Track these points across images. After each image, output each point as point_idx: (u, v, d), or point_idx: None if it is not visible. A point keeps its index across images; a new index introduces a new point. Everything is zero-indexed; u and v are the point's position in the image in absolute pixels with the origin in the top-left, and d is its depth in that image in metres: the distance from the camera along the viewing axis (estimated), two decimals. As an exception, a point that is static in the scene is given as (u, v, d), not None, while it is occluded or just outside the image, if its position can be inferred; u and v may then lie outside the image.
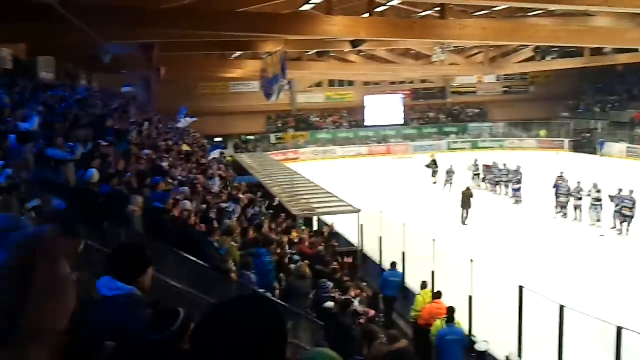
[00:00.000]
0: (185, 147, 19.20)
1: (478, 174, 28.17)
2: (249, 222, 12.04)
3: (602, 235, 18.90)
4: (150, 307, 2.87)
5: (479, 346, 8.51)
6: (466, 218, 21.44)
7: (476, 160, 28.57)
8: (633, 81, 44.87)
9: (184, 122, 27.41)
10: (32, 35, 17.81)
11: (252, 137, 44.20)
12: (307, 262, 10.08)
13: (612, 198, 19.27)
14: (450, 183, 26.65)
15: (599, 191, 20.07)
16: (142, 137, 14.99)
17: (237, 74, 35.69)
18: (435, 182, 29.46)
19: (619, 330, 7.99)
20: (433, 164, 30.21)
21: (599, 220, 20.02)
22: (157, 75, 28.71)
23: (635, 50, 22.79)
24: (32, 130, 8.51)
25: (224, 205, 11.78)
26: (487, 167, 27.81)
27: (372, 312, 9.43)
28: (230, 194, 14.25)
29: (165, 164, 11.98)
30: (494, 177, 26.80)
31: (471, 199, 21.49)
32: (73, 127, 10.37)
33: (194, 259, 7.40)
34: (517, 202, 24.42)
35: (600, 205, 19.96)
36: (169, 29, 16.76)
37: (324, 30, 16.55)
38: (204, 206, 10.40)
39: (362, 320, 8.81)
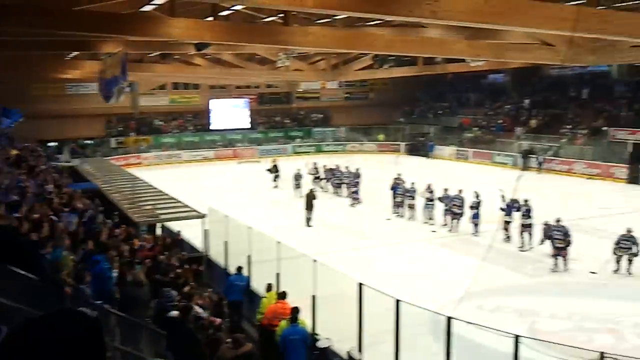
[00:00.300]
0: (14, 152, 17.83)
1: (318, 177, 28.92)
2: (85, 230, 11.44)
3: (434, 232, 20.24)
4: None
5: (321, 343, 8.72)
6: (310, 219, 21.90)
7: (315, 164, 29.19)
8: (461, 89, 48.67)
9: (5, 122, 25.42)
10: None
11: (90, 142, 42.01)
12: (142, 269, 9.78)
13: (441, 199, 20.71)
14: (299, 187, 27.04)
15: (431, 192, 21.42)
16: None
17: (74, 74, 33.69)
18: (276, 186, 29.78)
19: (449, 320, 8.57)
20: (274, 169, 30.45)
21: (431, 219, 21.38)
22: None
23: (463, 60, 24.61)
24: None
25: (60, 215, 11.10)
26: (329, 170, 28.64)
27: (218, 320, 9.33)
28: (65, 202, 13.44)
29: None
30: (336, 179, 27.73)
31: (314, 201, 22.02)
32: None
33: (23, 272, 6.89)
34: (353, 204, 25.24)
35: (433, 204, 21.32)
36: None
37: (166, 32, 16.12)
38: (36, 215, 9.72)
39: (204, 323, 8.71)
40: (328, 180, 28.48)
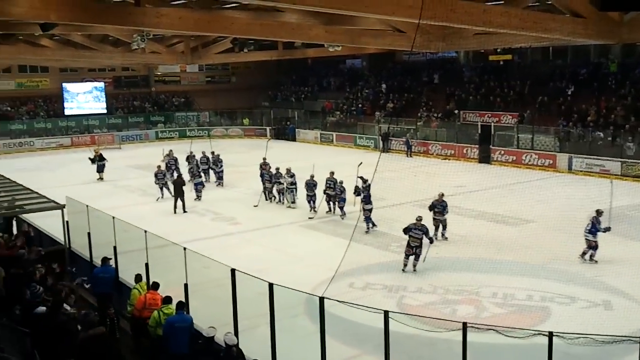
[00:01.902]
0: None
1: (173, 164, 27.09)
2: None
3: (311, 218, 20.18)
4: None
5: (207, 332, 8.61)
6: (183, 206, 21.47)
7: (171, 151, 27.89)
8: (322, 74, 49.62)
9: None
10: None
11: None
12: None
13: (308, 185, 20.75)
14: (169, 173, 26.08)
15: (292, 176, 21.62)
16: None
17: None
18: (101, 178, 28.31)
19: (321, 300, 8.77)
20: (98, 159, 28.85)
21: (294, 202, 21.62)
22: None
23: (322, 45, 25.06)
24: None
25: None
26: (189, 157, 27.52)
27: (82, 311, 8.90)
28: None
29: None
30: (202, 164, 27.10)
31: (183, 188, 21.56)
32: None
33: None
34: (198, 197, 23.46)
35: (295, 188, 21.57)
36: None
37: (6, 10, 14.90)
38: None
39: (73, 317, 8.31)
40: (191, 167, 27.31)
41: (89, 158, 28.92)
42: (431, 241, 14.85)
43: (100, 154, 29.03)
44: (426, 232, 14.68)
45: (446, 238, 16.93)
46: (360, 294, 12.89)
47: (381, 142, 36.28)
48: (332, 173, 20.30)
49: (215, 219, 20.66)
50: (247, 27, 18.57)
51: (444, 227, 16.95)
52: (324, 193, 20.19)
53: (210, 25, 18.04)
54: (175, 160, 26.95)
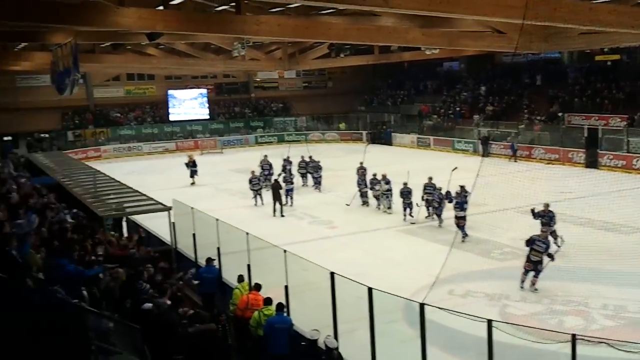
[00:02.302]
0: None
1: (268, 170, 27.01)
2: (49, 228, 11.13)
3: (413, 223, 19.86)
4: None
5: (310, 335, 8.72)
6: (281, 210, 21.78)
7: (265, 157, 27.82)
8: (419, 77, 49.08)
9: None
10: None
11: (46, 135, 40.91)
12: (117, 266, 9.59)
13: (403, 192, 20.14)
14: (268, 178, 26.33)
15: (388, 182, 21.33)
16: None
17: (23, 66, 32.69)
18: (193, 183, 28.84)
19: (422, 306, 8.62)
20: (192, 164, 29.48)
21: (389, 208, 21.34)
22: None
23: (419, 49, 24.77)
24: None
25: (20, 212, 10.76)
26: (285, 160, 27.68)
27: (190, 311, 9.21)
28: (25, 199, 13.03)
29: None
30: (300, 169, 27.45)
31: (280, 191, 21.90)
32: None
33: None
34: (290, 203, 23.60)
35: (391, 194, 21.23)
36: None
37: (116, 21, 15.70)
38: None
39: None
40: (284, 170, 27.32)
41: (185, 163, 29.82)
42: (551, 258, 13.42)
43: (194, 161, 29.80)
44: (548, 247, 13.41)
45: (559, 247, 15.08)
46: (460, 302, 12.58)
47: (481, 146, 35.37)
48: (430, 179, 19.91)
49: (312, 223, 20.87)
50: (344, 32, 18.67)
51: (555, 238, 15.31)
52: (422, 199, 19.85)
53: (308, 31, 18.26)
54: (270, 165, 27.05)
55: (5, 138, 36.42)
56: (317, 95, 50.30)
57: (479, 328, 7.66)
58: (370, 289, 9.29)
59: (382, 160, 29.57)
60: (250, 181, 23.85)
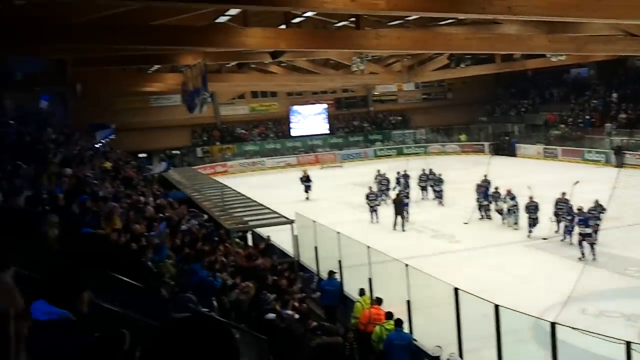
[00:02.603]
0: (107, 164, 18.52)
1: (386, 187, 26.76)
2: (182, 238, 11.69)
3: (545, 239, 18.84)
4: (88, 332, 2.72)
5: (433, 352, 8.55)
6: (402, 224, 21.51)
7: (379, 171, 27.67)
8: (543, 85, 47.04)
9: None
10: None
11: (177, 152, 43.31)
12: (249, 283, 9.87)
13: (529, 207, 19.34)
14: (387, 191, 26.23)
15: (513, 197, 20.41)
16: (63, 154, 14.31)
17: (156, 87, 34.94)
18: (307, 198, 28.75)
19: (553, 325, 8.18)
20: (305, 180, 29.58)
21: (516, 223, 20.41)
22: (72, 91, 27.69)
23: (543, 55, 23.74)
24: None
25: (155, 224, 11.38)
26: (403, 175, 26.90)
27: (314, 323, 9.34)
28: (160, 211, 13.79)
29: (95, 184, 11.48)
30: (420, 182, 27.07)
31: (402, 206, 21.63)
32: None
33: (127, 279, 7.07)
34: (440, 203, 24.56)
35: (517, 209, 20.24)
36: (82, 43, 16.20)
37: (241, 42, 16.40)
38: (137, 226, 9.98)
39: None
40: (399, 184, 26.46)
41: (299, 178, 30.16)
42: None
43: (307, 176, 30.02)
44: None
45: None
46: (593, 322, 11.79)
47: (614, 157, 33.22)
48: (563, 194, 18.68)
49: (434, 237, 20.47)
50: (465, 42, 18.28)
51: None
52: (554, 215, 18.76)
53: (427, 43, 18.08)
54: (388, 180, 26.78)
55: (141, 155, 38.88)
56: (437, 107, 49.57)
57: (615, 350, 7.16)
58: (496, 306, 8.97)
59: (506, 171, 28.54)
60: (367, 197, 23.50)
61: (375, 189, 24.78)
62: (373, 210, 23.20)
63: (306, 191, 29.46)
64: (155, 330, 1.44)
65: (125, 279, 7.04)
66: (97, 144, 26.03)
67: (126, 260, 7.98)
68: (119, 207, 9.80)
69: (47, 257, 6.43)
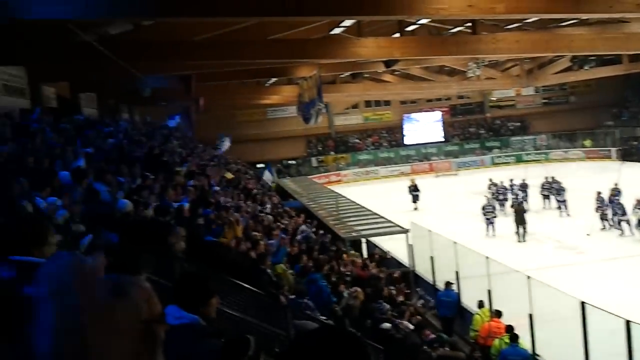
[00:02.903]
0: (228, 175, 19.26)
1: (500, 197, 25.71)
2: (299, 246, 11.94)
3: None
4: (215, 337, 2.86)
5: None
6: (523, 235, 20.68)
7: (491, 180, 26.70)
8: (678, 85, 43.70)
9: (224, 145, 27.52)
10: (74, 73, 18.38)
11: (293, 162, 44.33)
12: (357, 288, 9.91)
13: None
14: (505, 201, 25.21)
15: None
16: (188, 166, 15.06)
17: (273, 100, 36.06)
18: (416, 208, 27.86)
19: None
20: (413, 189, 28.83)
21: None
22: (196, 105, 29.11)
23: (679, 53, 22.13)
24: (83, 166, 8.62)
25: (273, 232, 11.70)
26: (522, 185, 26.01)
27: (431, 335, 9.21)
28: (278, 220, 14.17)
29: (221, 198, 11.99)
30: (544, 190, 25.83)
31: (524, 215, 20.77)
32: (120, 162, 10.47)
33: (248, 286, 7.31)
34: (561, 214, 23.42)
35: None
36: (203, 60, 17.07)
37: (356, 52, 16.60)
38: (255, 233, 10.33)
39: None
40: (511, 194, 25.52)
41: (408, 187, 29.63)
42: None
43: (415, 185, 29.44)
44: None
45: None
46: None
47: None
48: None
49: (557, 248, 19.51)
50: (589, 42, 17.45)
51: None
52: None
53: (548, 45, 17.41)
54: (505, 189, 25.85)
55: (258, 165, 40.15)
56: (558, 112, 47.34)
57: None
58: (627, 322, 8.42)
59: (636, 179, 26.71)
60: (484, 208, 22.53)
61: (490, 199, 23.83)
62: (490, 222, 22.24)
63: (414, 201, 28.92)
64: (291, 340, 1.49)
65: (245, 285, 7.29)
66: (218, 155, 27.14)
67: (246, 267, 8.26)
68: (239, 216, 10.16)
69: (174, 265, 6.82)
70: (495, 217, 22.39)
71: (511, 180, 25.97)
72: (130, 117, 28.99)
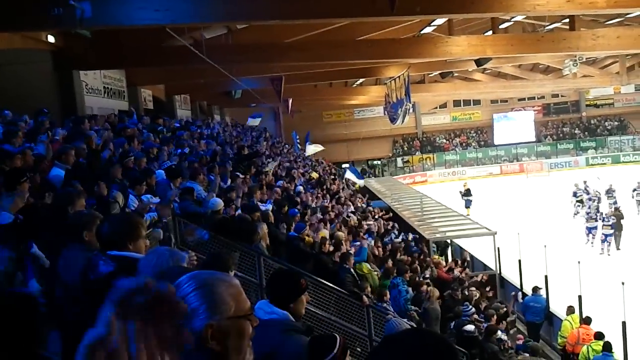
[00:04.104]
0: (314, 175, 19.58)
1: (581, 200, 24.32)
2: (383, 248, 12.01)
3: None
4: (304, 333, 2.98)
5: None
6: (618, 241, 19.14)
7: (576, 185, 25.11)
8: None
9: (310, 149, 27.89)
10: (169, 77, 19.25)
11: (378, 162, 44.28)
12: (432, 287, 9.85)
13: None
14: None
15: None
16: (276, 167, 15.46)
17: (360, 100, 36.20)
18: (468, 215, 25.62)
19: None
20: (466, 193, 27.56)
21: None
22: (285, 106, 29.69)
23: None
24: (177, 166, 9.07)
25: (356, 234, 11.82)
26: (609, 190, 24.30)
27: (522, 339, 9.06)
28: (362, 221, 14.26)
29: (303, 196, 12.26)
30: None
31: (622, 221, 19.32)
32: (213, 162, 10.90)
33: (331, 285, 7.47)
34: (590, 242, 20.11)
35: None
36: (294, 62, 17.43)
37: (447, 51, 16.44)
38: (340, 233, 10.49)
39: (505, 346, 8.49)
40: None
41: (459, 192, 28.59)
42: None
43: (468, 189, 28.45)
44: None
45: None
46: None
47: None
48: None
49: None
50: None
51: None
52: None
53: (652, 41, 16.57)
54: (598, 194, 23.75)
55: (344, 165, 40.43)
56: (660, 110, 44.78)
57: None
58: None
59: None
60: (588, 220, 20.21)
61: (586, 205, 21.96)
62: (590, 232, 20.13)
63: (467, 206, 27.44)
64: (378, 344, 1.55)
65: (328, 284, 7.46)
66: (306, 155, 27.56)
67: (330, 266, 8.45)
68: (322, 216, 10.36)
69: (258, 262, 7.09)
70: (596, 223, 19.96)
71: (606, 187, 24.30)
72: (222, 119, 29.97)
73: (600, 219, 19.67)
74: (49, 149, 7.48)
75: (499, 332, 8.98)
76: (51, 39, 13.05)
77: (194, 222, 7.27)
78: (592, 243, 19.78)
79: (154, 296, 1.49)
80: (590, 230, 20.04)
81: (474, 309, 9.69)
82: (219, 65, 15.05)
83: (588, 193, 24.08)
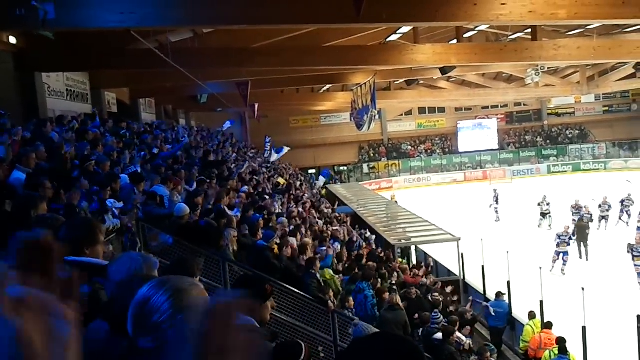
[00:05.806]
0: (281, 181, 19.52)
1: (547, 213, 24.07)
2: (349, 253, 12.02)
3: None
4: (269, 340, 2.95)
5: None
6: (586, 253, 18.67)
7: (545, 197, 24.59)
8: None
9: (275, 156, 27.81)
10: (134, 80, 19.01)
11: (344, 168, 44.44)
12: (393, 294, 9.88)
13: None
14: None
15: None
16: (241, 172, 15.35)
17: (327, 106, 36.31)
18: (497, 220, 25.95)
19: None
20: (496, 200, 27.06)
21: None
22: (252, 111, 29.61)
23: None
24: (141, 171, 8.94)
25: (322, 240, 11.81)
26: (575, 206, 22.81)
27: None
28: (327, 227, 14.27)
29: (268, 200, 12.20)
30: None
31: (587, 232, 19.09)
32: (176, 165, 10.79)
33: (296, 290, 7.44)
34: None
35: None
36: (261, 67, 17.38)
37: (413, 59, 16.60)
38: (307, 240, 10.46)
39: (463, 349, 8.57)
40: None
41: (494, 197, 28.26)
42: None
43: (497, 197, 27.91)
44: None
45: None
46: None
47: None
48: None
49: (611, 261, 18.75)
50: (654, 49, 16.93)
51: None
52: None
53: (611, 52, 17.05)
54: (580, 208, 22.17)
55: (310, 171, 40.41)
56: (619, 120, 45.89)
57: None
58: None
59: None
60: (559, 237, 17.42)
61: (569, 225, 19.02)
62: (580, 244, 18.89)
63: (496, 212, 27.00)
64: (345, 348, 1.54)
65: (294, 289, 7.43)
66: (272, 161, 27.48)
67: (295, 272, 8.41)
68: (286, 222, 10.32)
69: (223, 268, 7.02)
70: (569, 243, 17.67)
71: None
72: (187, 123, 29.71)
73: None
74: (9, 152, 7.30)
75: (457, 334, 9.04)
76: (13, 39, 12.78)
77: (158, 227, 7.18)
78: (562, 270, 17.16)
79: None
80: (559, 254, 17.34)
81: (442, 317, 9.74)
82: (184, 69, 14.94)
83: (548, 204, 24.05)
